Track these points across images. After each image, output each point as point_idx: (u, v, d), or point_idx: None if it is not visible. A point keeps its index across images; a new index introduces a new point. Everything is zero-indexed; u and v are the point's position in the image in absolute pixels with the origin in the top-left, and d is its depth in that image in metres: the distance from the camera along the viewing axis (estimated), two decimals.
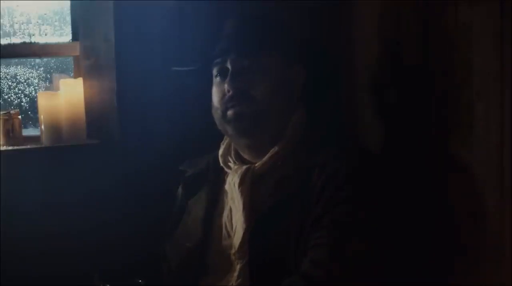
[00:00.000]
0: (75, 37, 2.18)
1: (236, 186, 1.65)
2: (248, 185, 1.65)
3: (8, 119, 2.07)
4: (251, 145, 1.69)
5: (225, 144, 1.75)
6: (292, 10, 2.05)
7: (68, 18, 2.20)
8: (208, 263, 1.70)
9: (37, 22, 2.20)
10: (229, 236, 1.67)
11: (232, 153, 1.73)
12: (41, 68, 2.27)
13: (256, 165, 1.67)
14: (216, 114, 1.68)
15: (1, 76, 2.21)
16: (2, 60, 2.18)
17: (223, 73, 1.66)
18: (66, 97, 2.10)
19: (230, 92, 1.64)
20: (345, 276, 1.49)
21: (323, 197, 1.54)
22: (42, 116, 2.10)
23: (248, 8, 1.95)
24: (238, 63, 1.64)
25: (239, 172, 1.66)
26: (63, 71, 2.28)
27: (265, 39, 1.67)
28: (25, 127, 2.19)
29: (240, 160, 1.72)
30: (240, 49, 1.65)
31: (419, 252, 1.68)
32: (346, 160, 1.59)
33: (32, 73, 2.26)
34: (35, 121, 2.22)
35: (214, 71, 1.69)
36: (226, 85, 1.64)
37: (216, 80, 1.69)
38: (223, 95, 1.65)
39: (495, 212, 1.45)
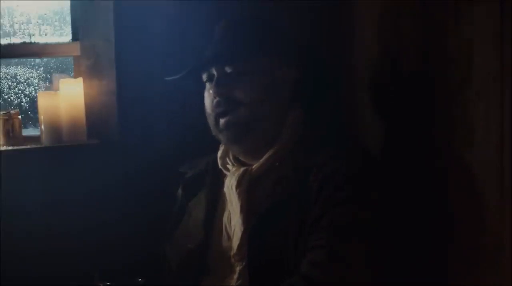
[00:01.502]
0: (75, 37, 2.19)
1: (234, 188, 1.66)
2: (245, 187, 1.65)
3: (8, 119, 2.07)
4: (245, 150, 1.69)
5: (223, 145, 1.75)
6: (292, 10, 2.05)
7: (68, 18, 2.20)
8: (208, 264, 1.70)
9: (37, 22, 2.20)
10: (229, 238, 1.67)
11: (230, 155, 1.73)
12: (41, 68, 2.27)
13: (254, 166, 1.67)
14: (209, 120, 1.70)
15: (1, 76, 2.21)
16: (2, 60, 2.18)
17: (210, 79, 1.67)
18: (66, 97, 2.10)
19: (217, 98, 1.64)
20: (344, 276, 1.49)
21: (322, 197, 1.54)
22: (42, 116, 2.10)
23: (237, 10, 1.95)
24: (222, 69, 1.65)
25: (236, 174, 1.67)
26: (63, 71, 2.28)
27: (250, 43, 1.67)
28: (25, 127, 2.19)
29: (238, 161, 1.72)
30: (222, 57, 1.65)
31: (419, 252, 1.68)
32: (346, 160, 1.59)
33: (32, 73, 2.26)
34: (35, 121, 2.22)
35: (204, 77, 1.70)
36: (211, 91, 1.65)
37: (206, 86, 1.70)
38: (211, 101, 1.66)
39: (495, 212, 1.45)
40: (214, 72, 1.66)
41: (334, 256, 1.49)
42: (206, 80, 1.69)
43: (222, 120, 1.65)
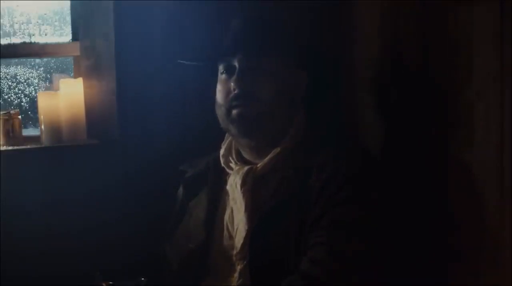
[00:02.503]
0: (75, 37, 2.18)
1: (238, 186, 1.65)
2: (250, 185, 1.65)
3: (8, 119, 2.07)
4: (253, 145, 1.69)
5: (226, 144, 1.75)
6: (293, 10, 2.05)
7: (68, 18, 2.20)
8: (209, 263, 1.70)
9: (37, 22, 2.20)
10: (230, 237, 1.67)
11: (234, 153, 1.73)
12: (41, 68, 2.27)
13: (258, 165, 1.67)
14: (220, 111, 1.68)
15: (1, 76, 2.21)
16: (2, 60, 2.18)
17: (229, 71, 1.66)
18: (66, 97, 2.10)
19: (236, 91, 1.63)
20: (344, 275, 1.49)
21: (323, 197, 1.54)
22: (42, 116, 2.10)
23: (255, 9, 1.95)
24: (245, 62, 1.64)
25: (241, 172, 1.66)
26: (63, 71, 2.28)
27: (273, 41, 1.67)
28: (25, 127, 2.19)
29: (242, 160, 1.72)
30: (248, 49, 1.65)
31: (419, 252, 1.68)
32: (346, 160, 1.59)
33: (32, 73, 2.26)
34: (35, 121, 2.21)
35: (220, 68, 1.69)
36: (232, 84, 1.64)
37: (222, 77, 1.68)
38: (228, 93, 1.65)
39: (495, 212, 1.45)
40: (236, 64, 1.65)
41: (334, 254, 1.49)
42: (223, 72, 1.68)
43: (234, 111, 1.64)
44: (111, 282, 1.55)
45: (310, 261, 1.51)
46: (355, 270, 1.50)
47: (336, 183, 1.54)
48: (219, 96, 1.68)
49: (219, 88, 1.69)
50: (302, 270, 1.51)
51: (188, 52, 1.94)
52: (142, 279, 1.54)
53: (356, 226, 1.52)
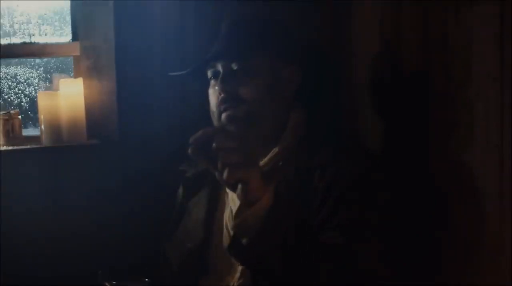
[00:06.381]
0: (75, 37, 2.18)
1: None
2: None
3: (8, 119, 2.07)
4: None
5: None
6: (292, 10, 2.05)
7: (68, 18, 2.20)
8: (209, 263, 1.70)
9: (37, 22, 2.20)
10: (230, 236, 1.66)
11: None
12: (41, 68, 2.27)
13: None
14: (213, 117, 1.69)
15: (1, 76, 2.21)
16: (2, 60, 2.18)
17: (216, 76, 1.67)
18: (66, 97, 2.10)
19: (222, 95, 1.64)
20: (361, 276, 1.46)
21: (330, 197, 1.52)
22: (42, 116, 2.10)
23: (241, 10, 1.95)
24: (228, 65, 1.65)
25: None
26: (63, 71, 2.28)
27: (255, 42, 1.67)
28: (25, 127, 2.19)
29: None
30: (229, 52, 1.65)
31: (418, 252, 1.68)
32: (350, 160, 1.58)
33: (32, 73, 2.26)
34: (35, 121, 2.22)
35: (209, 74, 1.70)
36: (217, 88, 1.65)
37: (211, 83, 1.70)
38: (217, 98, 1.66)
39: (495, 212, 1.45)
40: (220, 69, 1.66)
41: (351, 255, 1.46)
42: (211, 77, 1.69)
43: (224, 114, 1.65)
44: (114, 282, 1.55)
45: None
46: (373, 269, 1.48)
47: (343, 183, 1.52)
48: (211, 101, 1.69)
49: (210, 93, 1.70)
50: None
51: (183, 57, 1.95)
52: (146, 280, 1.54)
53: (369, 226, 1.50)
